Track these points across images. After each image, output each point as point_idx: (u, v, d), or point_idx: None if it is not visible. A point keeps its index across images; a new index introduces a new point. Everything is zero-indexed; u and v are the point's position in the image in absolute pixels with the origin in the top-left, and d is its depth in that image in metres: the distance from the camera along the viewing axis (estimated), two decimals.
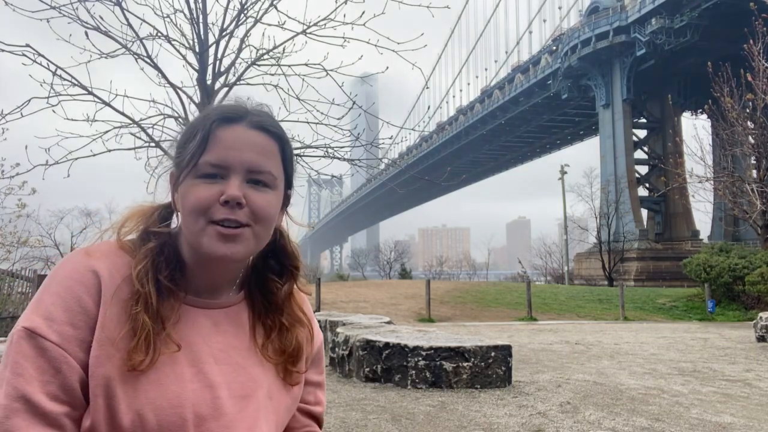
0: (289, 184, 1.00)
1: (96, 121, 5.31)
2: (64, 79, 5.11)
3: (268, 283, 1.03)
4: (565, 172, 41.38)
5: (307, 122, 5.93)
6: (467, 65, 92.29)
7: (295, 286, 1.06)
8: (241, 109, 0.95)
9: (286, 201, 1.01)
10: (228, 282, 0.99)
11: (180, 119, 5.48)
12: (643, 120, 53.19)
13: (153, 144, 5.46)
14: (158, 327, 0.87)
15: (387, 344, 6.44)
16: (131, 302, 0.87)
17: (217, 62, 5.66)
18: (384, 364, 6.42)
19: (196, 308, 0.95)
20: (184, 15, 5.51)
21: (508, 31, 79.53)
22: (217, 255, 0.88)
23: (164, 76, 5.47)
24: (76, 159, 5.28)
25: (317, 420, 1.14)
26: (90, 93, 5.23)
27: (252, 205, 0.90)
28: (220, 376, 0.92)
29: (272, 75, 5.79)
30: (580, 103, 57.88)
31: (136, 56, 5.43)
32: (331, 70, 5.76)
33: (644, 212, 51.66)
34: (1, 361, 0.84)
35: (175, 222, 0.99)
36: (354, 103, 5.97)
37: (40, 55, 5.00)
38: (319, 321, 1.15)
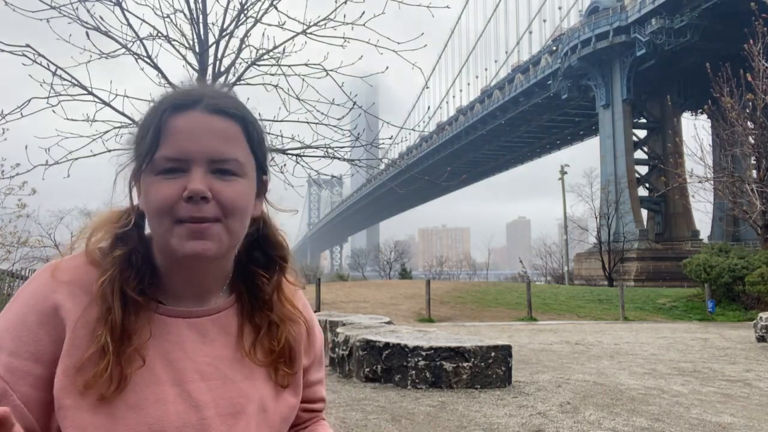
0: (263, 170, 0.92)
1: (96, 121, 5.30)
2: (64, 79, 5.10)
3: (254, 277, 0.94)
4: (565, 172, 41.39)
5: (307, 122, 5.92)
6: (467, 65, 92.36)
7: (284, 280, 0.98)
8: (195, 93, 0.85)
9: (263, 188, 0.93)
10: (215, 285, 0.91)
11: None
12: (643, 120, 53.21)
13: None
14: (124, 345, 0.80)
15: (387, 344, 6.44)
16: (99, 323, 0.80)
17: (217, 62, 5.66)
18: (384, 364, 6.42)
19: (179, 318, 0.87)
20: (184, 15, 5.50)
21: (508, 31, 79.57)
22: (188, 254, 0.81)
23: (164, 76, 5.46)
24: (76, 159, 5.28)
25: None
26: (90, 93, 5.22)
27: (219, 198, 0.81)
28: (206, 393, 0.84)
29: (272, 75, 5.79)
30: (580, 103, 57.89)
31: (136, 56, 5.43)
32: (331, 70, 5.75)
33: (644, 212, 51.66)
34: None
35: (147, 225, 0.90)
36: (354, 103, 5.96)
37: (40, 55, 5.00)
38: (318, 321, 1.06)
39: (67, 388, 0.77)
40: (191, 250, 0.80)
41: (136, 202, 0.89)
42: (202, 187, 0.80)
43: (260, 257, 0.96)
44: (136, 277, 0.84)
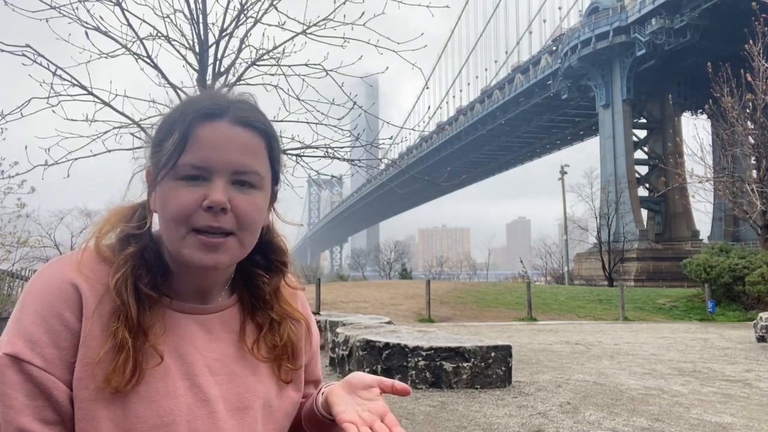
0: (276, 180, 0.94)
1: (96, 121, 5.30)
2: (64, 79, 5.11)
3: (254, 278, 0.97)
4: (565, 172, 41.42)
5: (307, 122, 5.93)
6: (467, 65, 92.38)
7: (284, 282, 1.00)
8: (224, 102, 0.86)
9: (274, 197, 0.95)
10: (218, 286, 0.93)
11: None
12: (643, 120, 53.20)
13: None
14: (140, 341, 0.81)
15: (387, 344, 6.44)
16: (113, 317, 0.81)
17: (217, 62, 5.66)
18: (384, 365, 6.42)
19: (187, 314, 0.89)
20: (184, 15, 5.51)
21: (508, 31, 79.59)
22: (200, 265, 0.83)
23: (164, 76, 5.47)
24: (76, 159, 5.28)
25: None
26: (90, 93, 5.22)
27: (237, 210, 0.83)
28: (215, 388, 0.86)
29: (272, 75, 5.79)
30: (580, 103, 57.89)
31: (136, 56, 5.43)
32: (331, 70, 5.76)
33: (644, 212, 51.65)
34: None
35: (155, 223, 0.91)
36: (354, 103, 5.96)
37: (40, 55, 5.00)
38: (319, 321, 1.05)
39: (84, 380, 0.78)
40: (203, 262, 0.82)
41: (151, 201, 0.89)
42: (223, 199, 0.81)
43: (260, 260, 0.98)
44: (148, 274, 0.85)
